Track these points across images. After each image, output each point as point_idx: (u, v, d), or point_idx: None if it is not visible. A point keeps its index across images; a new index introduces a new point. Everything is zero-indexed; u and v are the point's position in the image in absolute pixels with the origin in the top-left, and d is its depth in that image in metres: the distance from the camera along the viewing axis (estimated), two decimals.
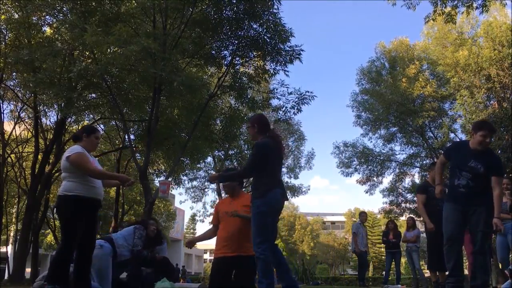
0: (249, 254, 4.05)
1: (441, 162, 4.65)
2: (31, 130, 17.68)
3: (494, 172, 4.22)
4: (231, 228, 4.24)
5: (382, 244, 11.22)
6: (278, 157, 3.95)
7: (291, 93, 12.34)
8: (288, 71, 11.98)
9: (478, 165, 4.19)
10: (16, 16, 12.43)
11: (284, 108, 12.60)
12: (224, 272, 4.24)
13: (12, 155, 18.37)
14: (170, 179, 13.63)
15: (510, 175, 16.87)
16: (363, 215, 10.93)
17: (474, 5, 10.01)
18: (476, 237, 4.18)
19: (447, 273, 6.13)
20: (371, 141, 22.80)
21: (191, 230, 61.63)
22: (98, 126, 17.73)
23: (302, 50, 11.59)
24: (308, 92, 12.22)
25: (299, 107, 12.33)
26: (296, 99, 12.27)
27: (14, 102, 17.32)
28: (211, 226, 4.67)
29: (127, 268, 5.16)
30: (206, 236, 4.74)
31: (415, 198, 20.38)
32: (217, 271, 4.32)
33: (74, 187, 3.96)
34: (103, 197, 4.27)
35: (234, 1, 11.29)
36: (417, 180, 22.37)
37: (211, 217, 4.91)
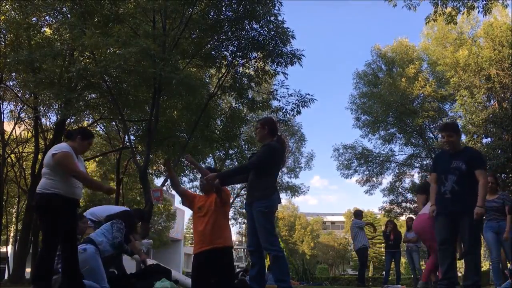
0: (224, 245, 4.31)
1: (432, 180, 4.70)
2: (31, 130, 17.63)
3: (475, 166, 4.35)
4: (203, 224, 4.35)
5: (382, 244, 11.23)
6: (281, 163, 4.35)
7: (291, 95, 12.34)
8: (287, 74, 12.01)
9: (459, 163, 4.35)
10: (16, 16, 12.40)
11: (284, 110, 12.60)
12: (202, 267, 4.33)
13: (12, 155, 18.33)
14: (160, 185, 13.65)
15: (511, 175, 16.85)
16: (360, 213, 10.87)
17: (475, 4, 9.99)
18: (465, 240, 4.34)
19: None
20: (371, 143, 22.89)
21: (191, 230, 61.51)
22: (98, 126, 17.76)
23: (303, 55, 11.61)
24: (308, 94, 12.23)
25: (298, 109, 12.33)
26: (296, 101, 12.27)
27: (14, 102, 17.28)
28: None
29: (113, 263, 5.18)
30: (176, 182, 5.01)
31: (415, 198, 20.48)
32: (195, 267, 4.42)
33: (53, 185, 3.90)
34: (81, 197, 4.21)
35: (235, 1, 11.28)
36: (417, 180, 22.41)
37: None
